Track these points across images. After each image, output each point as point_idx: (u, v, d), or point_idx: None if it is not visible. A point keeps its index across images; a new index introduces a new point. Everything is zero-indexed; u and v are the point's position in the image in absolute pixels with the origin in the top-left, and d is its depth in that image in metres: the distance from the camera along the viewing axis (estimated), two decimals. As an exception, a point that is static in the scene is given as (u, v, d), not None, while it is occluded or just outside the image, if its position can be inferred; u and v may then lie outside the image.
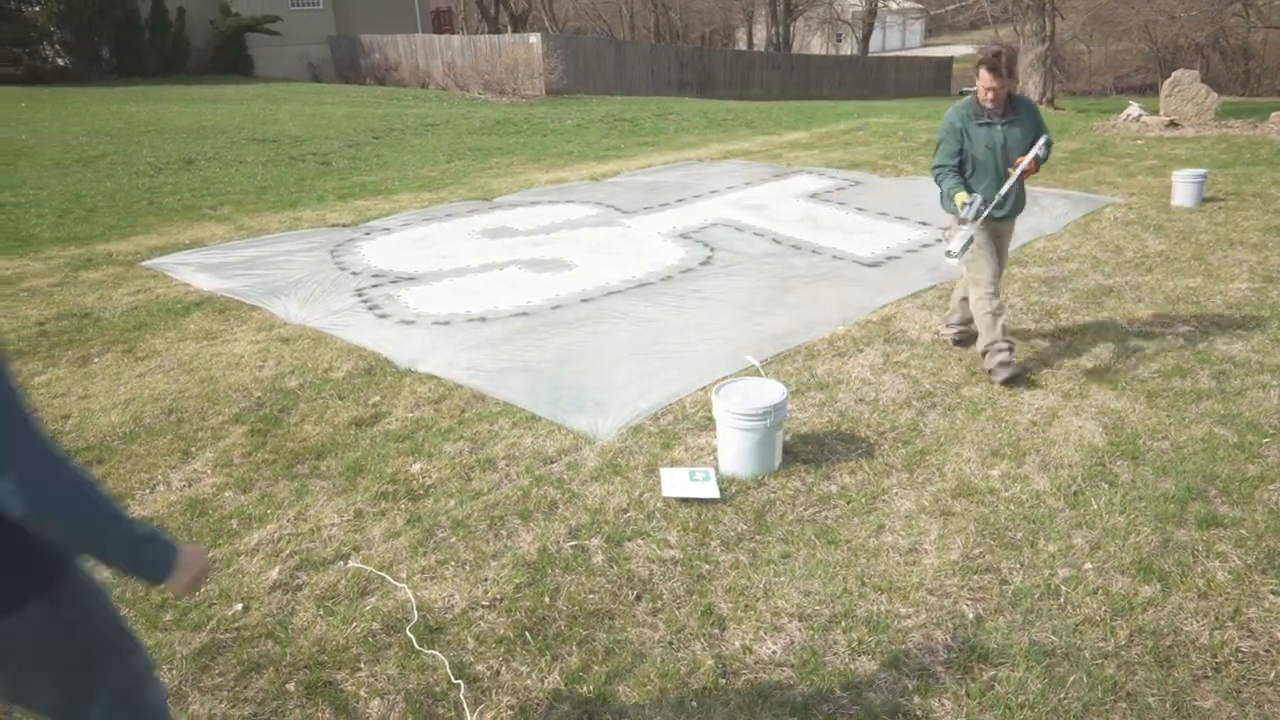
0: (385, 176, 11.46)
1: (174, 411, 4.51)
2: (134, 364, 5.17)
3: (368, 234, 8.22)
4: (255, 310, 6.11)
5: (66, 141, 13.77)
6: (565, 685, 2.58)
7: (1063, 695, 2.49)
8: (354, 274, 6.87)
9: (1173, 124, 14.99)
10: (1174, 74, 16.27)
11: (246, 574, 3.16)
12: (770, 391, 3.77)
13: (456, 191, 10.47)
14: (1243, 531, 3.25)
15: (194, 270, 7.15)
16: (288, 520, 3.49)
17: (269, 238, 8.20)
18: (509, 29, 32.19)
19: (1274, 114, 15.58)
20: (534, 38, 23.75)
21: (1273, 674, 2.56)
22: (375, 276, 6.87)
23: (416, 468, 3.88)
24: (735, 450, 3.72)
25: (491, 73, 22.69)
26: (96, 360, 5.26)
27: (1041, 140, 4.53)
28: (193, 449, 4.11)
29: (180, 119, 16.55)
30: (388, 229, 8.53)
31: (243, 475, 3.86)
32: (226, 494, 3.71)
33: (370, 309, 6.09)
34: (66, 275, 7.10)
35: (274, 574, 3.14)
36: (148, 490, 3.76)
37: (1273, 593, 2.90)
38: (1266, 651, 2.65)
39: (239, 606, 2.98)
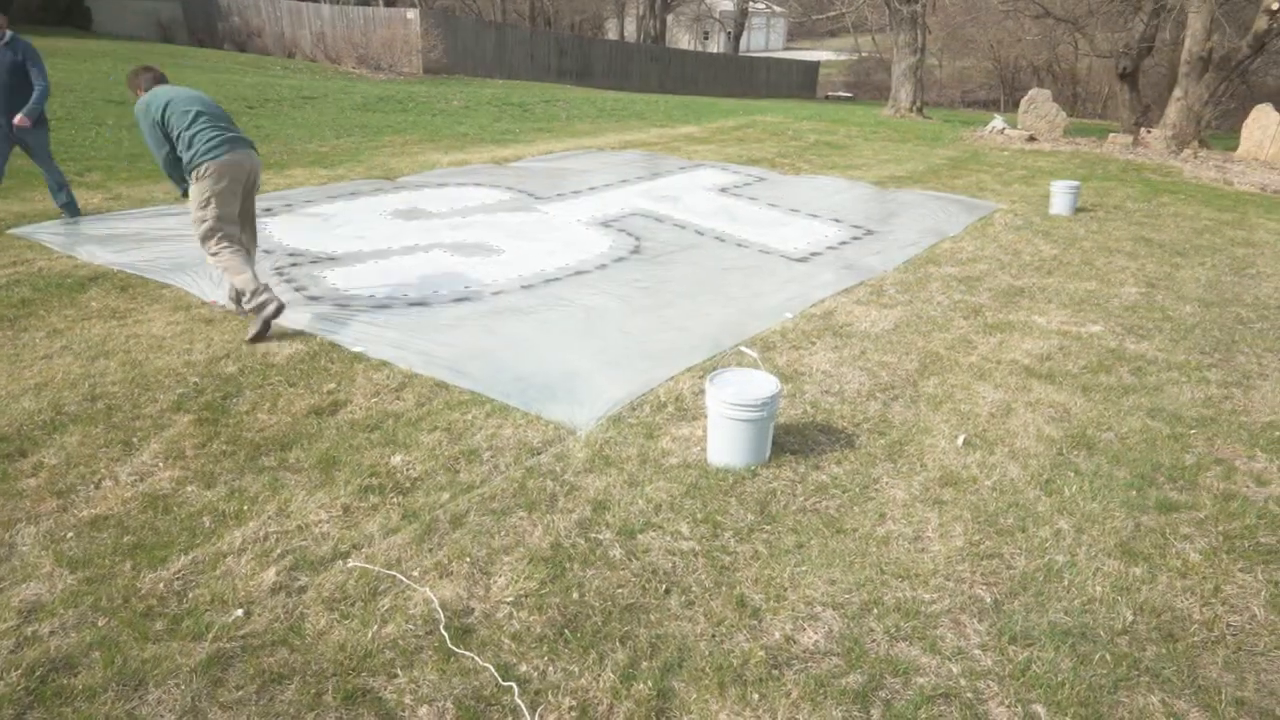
0: (271, 149, 10.74)
1: (99, 398, 4.06)
2: (34, 344, 4.62)
3: (269, 210, 7.68)
4: (164, 288, 5.59)
5: (-118, 90, 12.10)
6: (621, 683, 2.51)
7: (1093, 673, 2.64)
8: (266, 251, 6.39)
9: (1031, 138, 16.17)
10: (1030, 92, 17.56)
11: (237, 576, 2.88)
12: (764, 383, 3.80)
13: (354, 169, 9.96)
14: (1199, 515, 3.55)
15: (80, 241, 6.46)
16: (269, 517, 3.21)
17: (154, 209, 7.52)
18: (380, 1, 30.81)
19: (1111, 135, 17.10)
20: (411, 14, 22.90)
21: (1261, 645, 2.81)
22: (291, 255, 6.44)
23: (397, 459, 3.66)
24: (729, 441, 3.72)
25: (367, 46, 21.71)
26: (-15, 339, 4.66)
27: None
28: (134, 439, 3.72)
29: (17, 73, 14.87)
30: (289, 205, 8.00)
31: (201, 468, 3.52)
32: (189, 489, 3.37)
33: (296, 289, 5.69)
34: (-81, 242, 6.25)
35: (270, 575, 2.88)
36: (92, 486, 3.36)
37: (1241, 571, 3.18)
38: (1250, 625, 2.91)
39: (239, 612, 2.71)
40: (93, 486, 3.36)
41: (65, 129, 10.99)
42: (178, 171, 4.86)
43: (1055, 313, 6.06)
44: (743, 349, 4.78)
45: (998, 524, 3.42)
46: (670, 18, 47.27)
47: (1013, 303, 6.25)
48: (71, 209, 7.11)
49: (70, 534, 3.06)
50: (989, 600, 2.96)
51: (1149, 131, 16.51)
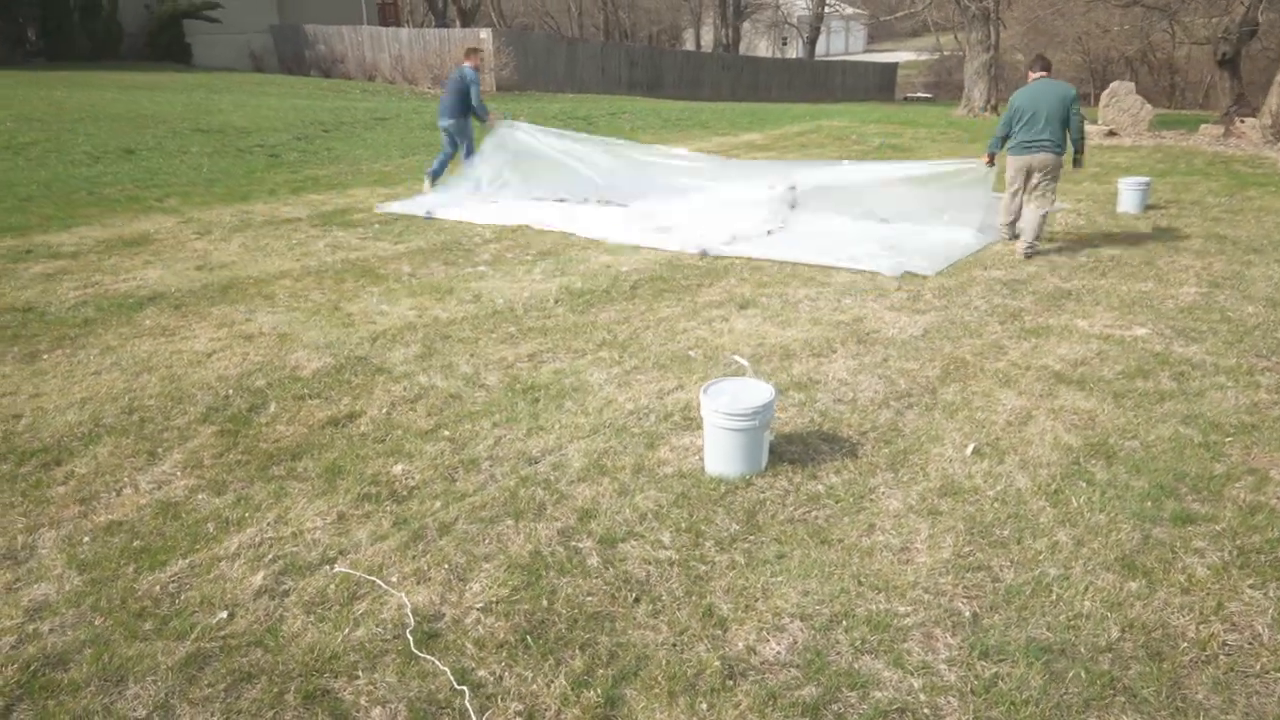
0: (338, 170, 11.21)
1: (135, 410, 4.33)
2: (87, 361, 4.95)
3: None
4: (214, 306, 5.91)
5: (-6, 127, 13.14)
6: (572, 690, 2.54)
7: (1064, 691, 2.54)
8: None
9: (1111, 133, 15.51)
10: (1111, 85, 16.84)
11: (229, 580, 3.04)
12: (758, 391, 3.78)
13: (413, 187, 10.29)
14: (1216, 528, 3.36)
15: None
16: (268, 524, 3.37)
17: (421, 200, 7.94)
18: (457, 23, 31.75)
19: (1203, 126, 16.25)
20: (484, 33, 23.51)
21: (1258, 666, 2.65)
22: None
23: (398, 469, 3.79)
24: (723, 450, 3.71)
25: (441, 67, 22.38)
26: (45, 357, 5.02)
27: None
28: (159, 450, 3.95)
29: (115, 106, 15.93)
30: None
31: (215, 477, 3.72)
32: (200, 496, 3.57)
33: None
34: (4, 267, 6.78)
35: (258, 579, 3.03)
36: (114, 493, 3.59)
37: (1251, 588, 3.00)
38: (1250, 644, 2.74)
39: (224, 614, 2.86)
40: (114, 494, 3.59)
41: (154, 157, 11.73)
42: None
43: (1101, 315, 5.81)
44: (736, 358, 4.75)
45: (992, 535, 3.31)
46: (748, 25, 47.19)
47: (1056, 306, 6.02)
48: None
49: (86, 538, 3.28)
50: (967, 614, 2.88)
51: (1243, 121, 15.61)
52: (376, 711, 2.48)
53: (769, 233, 8.02)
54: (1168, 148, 14.10)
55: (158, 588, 2.99)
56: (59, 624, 2.81)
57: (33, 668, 2.62)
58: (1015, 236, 7.68)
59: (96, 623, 2.82)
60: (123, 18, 24.31)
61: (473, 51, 9.64)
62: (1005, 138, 7.49)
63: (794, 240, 7.79)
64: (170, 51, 25.16)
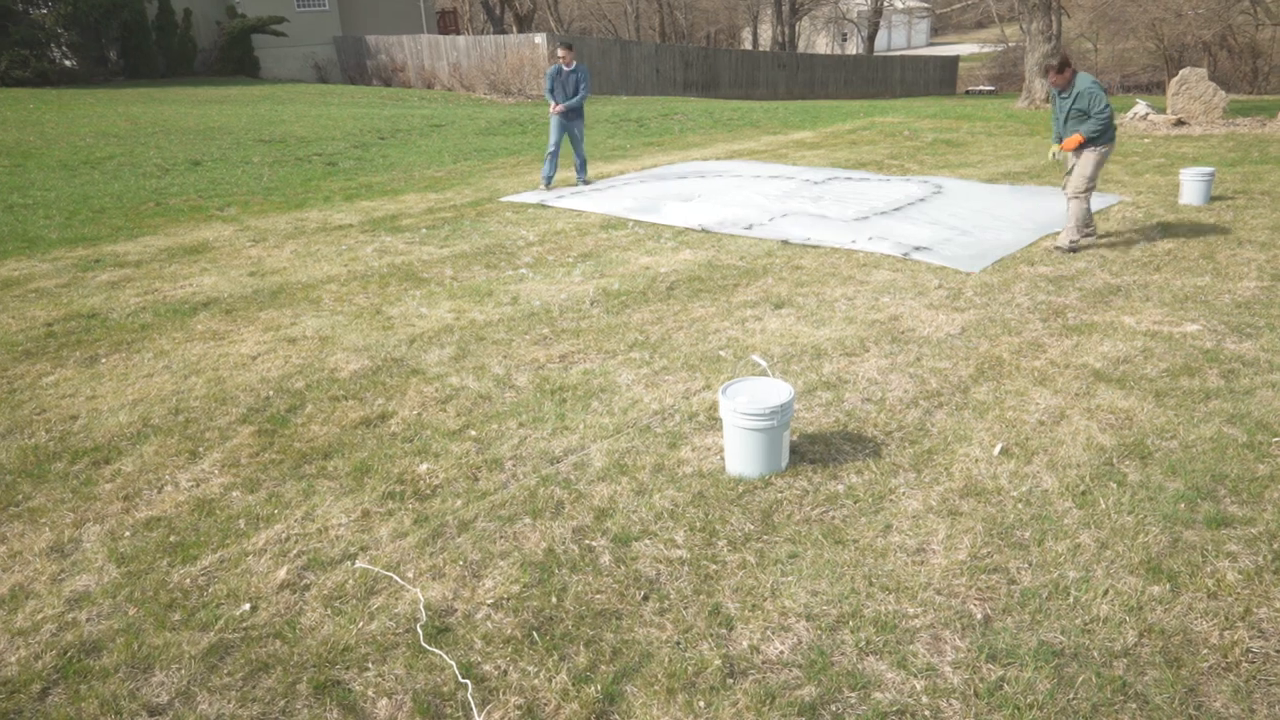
0: (391, 177, 11.49)
1: (181, 412, 4.52)
2: (141, 364, 5.19)
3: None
4: (262, 311, 6.12)
5: (74, 143, 13.83)
6: (573, 685, 2.58)
7: (1071, 696, 2.48)
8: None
9: (1180, 122, 14.94)
10: (1181, 72, 16.21)
11: (254, 574, 3.16)
12: (777, 391, 3.77)
13: (462, 192, 10.49)
14: (1253, 531, 3.23)
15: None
16: (295, 520, 3.49)
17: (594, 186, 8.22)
18: (514, 29, 32.19)
19: (1281, 112, 15.51)
20: (539, 38, 23.77)
21: (1283, 674, 2.55)
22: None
23: (423, 468, 3.88)
24: (743, 450, 3.71)
25: (497, 73, 22.72)
26: (104, 361, 5.28)
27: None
28: (200, 449, 4.12)
29: (186, 120, 16.61)
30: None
31: (250, 475, 3.87)
32: (234, 494, 3.72)
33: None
34: (74, 276, 7.12)
35: (282, 574, 3.14)
36: (155, 490, 3.77)
37: (1283, 593, 2.89)
38: (1277, 652, 2.64)
39: (246, 606, 2.98)
40: (155, 491, 3.77)
41: (218, 168, 12.18)
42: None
43: (1150, 311, 5.62)
44: (755, 358, 4.73)
45: (1012, 537, 3.24)
46: (806, 22, 46.75)
47: (1103, 302, 5.84)
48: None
49: (127, 533, 3.45)
50: (979, 616, 2.83)
51: (1324, 106, 14.86)
52: (384, 703, 2.56)
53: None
54: (1240, 136, 13.51)
55: (188, 580, 3.13)
56: (96, 614, 2.97)
57: (69, 654, 2.77)
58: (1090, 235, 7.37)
59: (130, 613, 2.97)
60: (196, 35, 25.34)
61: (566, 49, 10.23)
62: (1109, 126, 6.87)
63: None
64: (240, 65, 26.11)
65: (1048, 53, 17.90)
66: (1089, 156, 6.98)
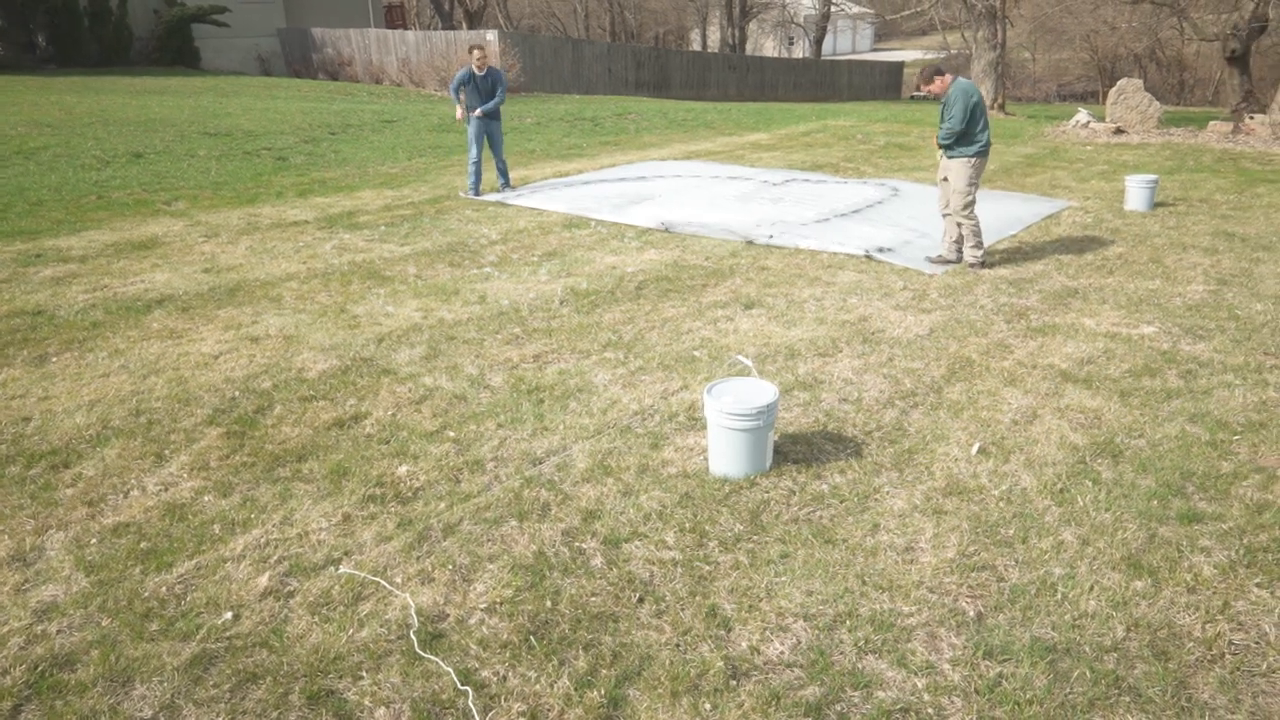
0: (345, 173, 11.25)
1: (143, 413, 4.35)
2: (96, 364, 4.98)
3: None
4: (221, 309, 5.93)
5: (4, 132, 13.23)
6: (575, 690, 2.54)
7: (1068, 691, 2.53)
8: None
9: (1119, 130, 15.44)
10: (1119, 83, 16.76)
11: (234, 581, 3.05)
12: (762, 391, 3.77)
13: (419, 189, 10.32)
14: (1223, 527, 3.34)
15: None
16: (273, 525, 3.38)
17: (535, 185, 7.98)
18: (464, 25, 31.80)
19: (1211, 123, 16.17)
20: (491, 35, 23.53)
21: (1265, 665, 2.63)
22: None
23: (403, 470, 3.80)
24: (728, 450, 3.71)
25: (448, 69, 22.38)
26: (54, 360, 5.05)
27: None
28: (166, 452, 3.97)
29: (125, 111, 16.02)
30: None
31: (221, 479, 3.74)
32: (206, 498, 3.59)
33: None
34: (14, 271, 6.81)
35: (263, 581, 3.04)
36: (121, 495, 3.61)
37: (1258, 586, 2.99)
38: (1257, 644, 2.73)
39: (229, 615, 2.87)
40: (121, 496, 3.61)
41: (162, 161, 11.78)
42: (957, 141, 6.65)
43: (1108, 314, 5.79)
44: (739, 358, 4.75)
45: (997, 535, 3.30)
46: (754, 25, 47.13)
47: (1063, 305, 5.99)
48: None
49: (94, 540, 3.30)
50: (971, 614, 2.87)
51: (1252, 118, 15.52)
52: (381, 712, 2.49)
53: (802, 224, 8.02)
54: (1176, 145, 14.02)
55: (164, 589, 3.01)
56: (66, 625, 2.83)
57: (40, 668, 2.64)
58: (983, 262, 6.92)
59: (103, 624, 2.84)
60: (132, 23, 24.44)
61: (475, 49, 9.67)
62: (964, 133, 6.57)
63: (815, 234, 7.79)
64: (179, 56, 25.26)
65: (993, 60, 18.34)
66: (956, 169, 6.72)
